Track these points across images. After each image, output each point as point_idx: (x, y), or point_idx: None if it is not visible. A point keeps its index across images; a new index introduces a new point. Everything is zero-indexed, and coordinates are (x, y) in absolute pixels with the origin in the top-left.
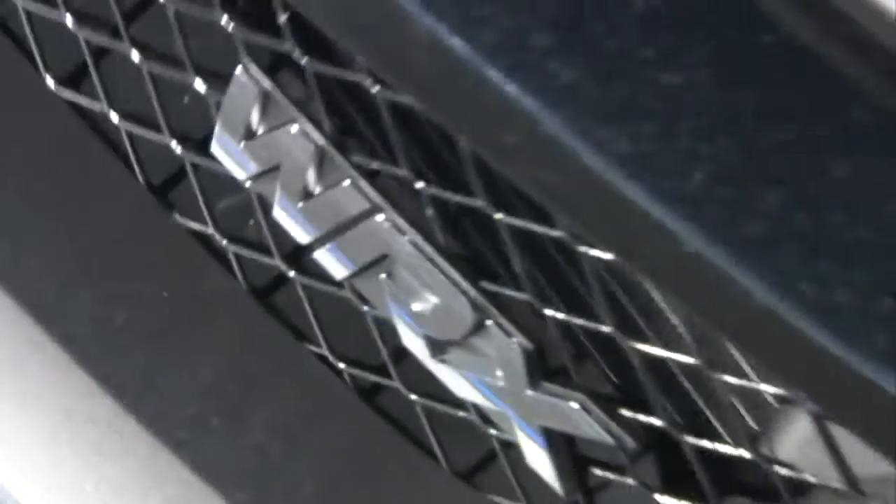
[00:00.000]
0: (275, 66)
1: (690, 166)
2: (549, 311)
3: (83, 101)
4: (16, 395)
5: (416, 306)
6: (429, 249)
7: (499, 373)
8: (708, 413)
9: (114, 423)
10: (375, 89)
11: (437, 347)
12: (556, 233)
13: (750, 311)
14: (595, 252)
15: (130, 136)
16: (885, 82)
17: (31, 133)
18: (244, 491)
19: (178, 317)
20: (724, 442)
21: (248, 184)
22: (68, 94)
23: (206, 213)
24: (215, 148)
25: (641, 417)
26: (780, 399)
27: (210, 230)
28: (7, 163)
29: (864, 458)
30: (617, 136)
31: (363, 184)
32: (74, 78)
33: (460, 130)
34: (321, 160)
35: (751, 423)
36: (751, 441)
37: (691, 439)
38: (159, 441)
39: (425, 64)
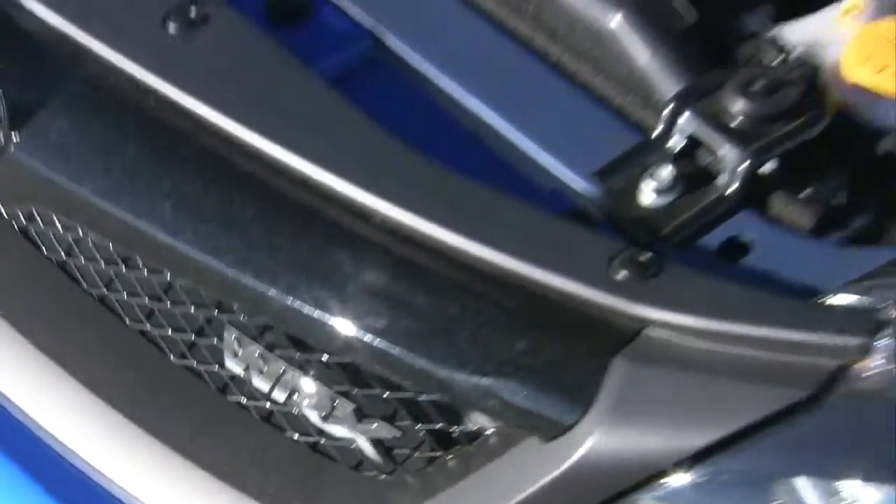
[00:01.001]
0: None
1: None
2: (357, 390)
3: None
4: None
5: (314, 405)
6: (316, 381)
7: (347, 422)
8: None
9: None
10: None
11: (324, 418)
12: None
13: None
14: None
15: (210, 372)
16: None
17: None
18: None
19: (219, 432)
20: (443, 421)
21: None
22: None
23: (245, 399)
24: (228, 364)
25: (406, 422)
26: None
27: (245, 401)
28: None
29: None
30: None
31: (285, 363)
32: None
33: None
34: (265, 359)
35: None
36: (459, 416)
37: (422, 425)
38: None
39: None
